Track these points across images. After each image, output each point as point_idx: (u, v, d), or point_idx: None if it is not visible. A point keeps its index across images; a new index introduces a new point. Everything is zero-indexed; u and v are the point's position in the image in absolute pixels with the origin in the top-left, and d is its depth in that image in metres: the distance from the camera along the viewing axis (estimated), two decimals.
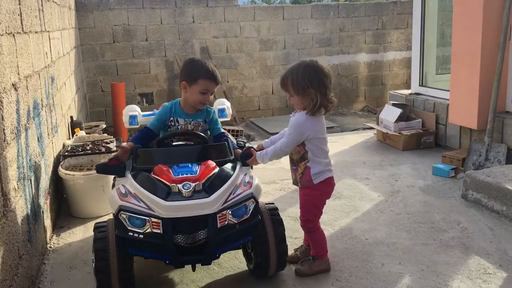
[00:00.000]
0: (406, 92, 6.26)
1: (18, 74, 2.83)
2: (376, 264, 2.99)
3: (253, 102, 8.91)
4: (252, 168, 2.97)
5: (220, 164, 2.65)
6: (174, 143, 2.84)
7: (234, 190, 2.51)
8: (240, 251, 3.04)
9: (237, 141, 3.11)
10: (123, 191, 2.48)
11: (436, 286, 2.73)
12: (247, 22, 8.60)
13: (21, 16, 3.04)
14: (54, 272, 3.03)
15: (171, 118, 2.93)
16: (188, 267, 2.70)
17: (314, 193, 2.82)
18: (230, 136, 3.28)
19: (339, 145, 5.78)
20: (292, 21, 8.83)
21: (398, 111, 5.58)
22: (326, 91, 2.67)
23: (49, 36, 4.18)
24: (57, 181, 3.95)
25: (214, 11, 8.38)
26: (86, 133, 5.02)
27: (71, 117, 5.24)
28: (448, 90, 5.16)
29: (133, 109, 3.68)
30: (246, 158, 2.79)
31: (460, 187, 4.10)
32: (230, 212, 2.45)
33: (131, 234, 2.40)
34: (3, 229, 2.28)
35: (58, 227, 3.72)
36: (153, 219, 2.36)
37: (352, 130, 7.31)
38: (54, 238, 3.52)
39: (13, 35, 2.78)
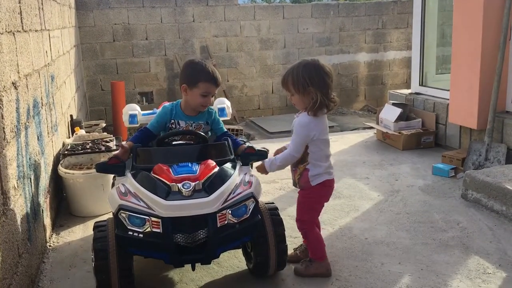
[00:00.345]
0: (406, 91, 6.27)
1: (18, 72, 2.83)
2: (375, 264, 2.99)
3: (253, 101, 8.91)
4: (252, 167, 2.97)
5: (220, 163, 2.64)
6: (174, 143, 2.84)
7: (234, 190, 2.51)
8: (239, 250, 3.04)
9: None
10: (123, 190, 2.48)
11: (435, 286, 2.73)
12: (247, 21, 8.60)
13: (21, 15, 3.04)
14: (54, 271, 3.03)
15: (172, 121, 2.91)
16: (188, 266, 2.70)
17: (311, 195, 2.82)
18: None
19: (339, 144, 5.78)
20: (292, 20, 8.83)
21: (398, 111, 5.58)
22: (327, 89, 2.66)
23: (49, 35, 4.18)
24: (57, 180, 3.95)
25: (214, 10, 8.38)
26: (86, 132, 5.02)
27: (71, 115, 5.24)
28: (448, 90, 5.16)
29: (133, 108, 3.69)
30: (246, 158, 2.79)
31: (460, 187, 4.10)
32: (230, 211, 2.45)
33: (131, 233, 2.39)
34: (3, 228, 2.28)
35: (57, 225, 3.72)
36: (153, 219, 2.36)
37: (352, 130, 7.31)
38: (54, 236, 3.52)
39: (13, 34, 2.78)
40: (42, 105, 3.55)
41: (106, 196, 3.28)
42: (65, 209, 4.01)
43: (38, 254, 3.02)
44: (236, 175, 2.58)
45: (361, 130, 7.01)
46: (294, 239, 3.32)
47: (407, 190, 4.22)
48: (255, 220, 2.57)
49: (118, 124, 7.14)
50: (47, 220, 3.42)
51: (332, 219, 3.67)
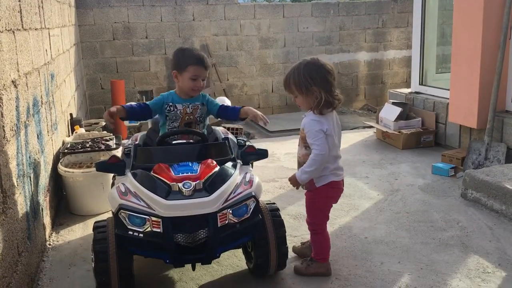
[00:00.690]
0: (406, 91, 6.26)
1: (18, 71, 2.83)
2: (375, 263, 2.99)
3: (253, 100, 8.90)
4: (252, 166, 2.96)
5: (220, 163, 2.64)
6: (174, 142, 2.84)
7: (234, 189, 2.50)
8: (239, 250, 3.04)
9: (237, 139, 3.11)
10: (123, 190, 2.47)
11: (435, 285, 2.74)
12: (247, 20, 8.59)
13: (21, 13, 3.03)
14: (53, 270, 3.03)
15: (170, 103, 2.96)
16: (188, 266, 2.70)
17: (317, 196, 2.78)
18: (230, 134, 3.28)
19: None
20: (292, 19, 8.82)
21: (398, 110, 5.58)
22: (330, 87, 2.63)
23: (49, 33, 4.18)
24: (56, 179, 3.95)
25: (214, 9, 8.37)
26: (86, 131, 5.02)
27: (71, 114, 5.24)
28: (448, 89, 5.16)
29: None
30: (247, 157, 2.79)
31: (460, 186, 4.10)
32: (230, 211, 2.44)
33: (131, 233, 2.39)
34: (3, 226, 2.28)
35: (57, 224, 3.72)
36: (153, 218, 2.35)
37: (352, 129, 7.30)
38: (54, 235, 3.52)
39: (13, 32, 2.78)
40: (42, 103, 3.55)
41: (105, 195, 3.28)
42: (64, 208, 4.01)
43: (37, 252, 3.02)
44: (236, 175, 2.58)
45: (361, 129, 7.01)
46: (293, 237, 3.32)
47: (406, 189, 4.22)
48: (255, 220, 2.56)
49: (117, 123, 7.13)
50: (46, 219, 3.42)
51: (331, 218, 3.64)
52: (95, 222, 2.70)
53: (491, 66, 4.56)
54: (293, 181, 2.74)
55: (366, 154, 5.35)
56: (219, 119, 3.46)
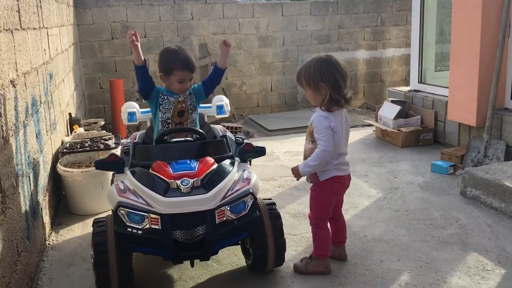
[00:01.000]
0: (405, 89, 6.27)
1: (17, 70, 2.82)
2: (374, 261, 2.99)
3: (252, 99, 8.90)
4: (250, 164, 2.97)
5: (218, 160, 2.65)
6: (173, 140, 2.84)
7: (232, 186, 2.52)
8: (238, 248, 3.05)
9: (235, 137, 3.11)
10: (122, 187, 2.48)
11: (434, 283, 2.74)
12: (246, 19, 8.58)
13: (19, 13, 3.03)
14: (53, 269, 3.03)
15: (164, 92, 3.02)
16: (187, 264, 2.70)
17: (321, 190, 2.81)
18: (228, 132, 3.28)
19: None
20: (291, 17, 8.82)
21: (397, 108, 5.58)
22: (338, 85, 2.68)
23: (47, 33, 4.17)
24: (55, 178, 3.95)
25: (213, 8, 8.36)
26: (85, 130, 5.02)
27: (70, 114, 5.23)
28: (447, 87, 5.16)
29: (132, 106, 3.69)
30: (245, 155, 2.80)
31: (459, 184, 4.10)
32: (228, 208, 2.45)
33: (130, 230, 2.40)
34: (2, 226, 2.28)
35: (56, 224, 3.72)
36: (152, 215, 2.37)
37: (351, 127, 7.29)
38: (53, 235, 3.52)
39: (11, 32, 2.78)
40: (41, 103, 3.55)
41: (105, 194, 3.27)
42: (64, 207, 4.00)
43: (37, 252, 3.02)
44: (234, 172, 2.59)
45: (360, 127, 7.01)
46: (293, 236, 3.32)
47: (406, 188, 4.23)
48: (253, 216, 2.58)
49: (117, 122, 7.13)
50: (46, 218, 3.42)
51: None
52: (95, 219, 2.73)
53: (490, 64, 4.56)
54: (295, 172, 2.80)
55: (365, 152, 5.35)
56: (210, 103, 3.63)
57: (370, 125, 6.42)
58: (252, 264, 2.84)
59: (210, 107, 3.77)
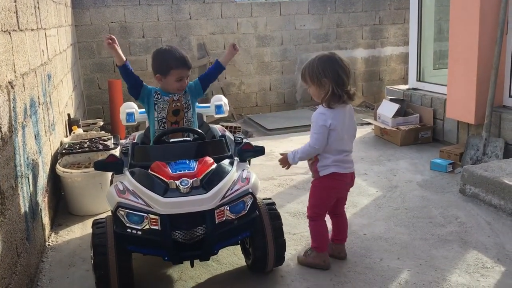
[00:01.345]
0: (403, 87, 6.26)
1: (15, 71, 2.82)
2: (374, 259, 3.00)
3: (250, 98, 8.90)
4: (249, 164, 2.97)
5: (217, 160, 2.65)
6: (171, 140, 2.84)
7: (231, 186, 2.52)
8: (238, 248, 3.05)
9: (234, 137, 3.11)
10: (121, 188, 2.48)
11: (434, 281, 2.74)
12: (244, 18, 8.58)
13: (17, 14, 3.03)
14: (53, 270, 3.03)
15: (158, 92, 3.01)
16: (187, 264, 2.70)
17: (320, 185, 2.85)
18: (227, 132, 3.28)
19: None
20: (289, 17, 8.82)
21: (396, 106, 5.59)
22: (341, 82, 2.71)
23: (45, 34, 4.17)
24: (55, 179, 3.94)
25: (211, 7, 8.36)
26: (84, 131, 5.01)
27: (68, 114, 5.23)
28: (446, 85, 5.17)
29: (130, 107, 3.69)
30: (244, 154, 2.80)
31: (458, 182, 4.10)
32: (228, 208, 2.45)
33: (129, 230, 2.40)
34: (1, 228, 2.28)
35: (56, 225, 3.72)
36: (151, 216, 2.37)
37: None
38: (53, 236, 3.52)
39: (9, 33, 2.77)
40: (39, 104, 3.55)
41: (104, 195, 3.27)
42: (63, 208, 4.00)
43: (37, 253, 3.02)
44: (233, 172, 2.59)
45: (359, 126, 7.00)
46: (293, 235, 3.32)
47: (405, 186, 4.23)
48: (253, 216, 2.58)
49: (115, 122, 7.13)
50: (45, 219, 3.42)
51: None
52: (94, 220, 2.72)
53: (488, 61, 4.56)
54: (284, 160, 2.88)
55: (364, 151, 5.35)
56: (206, 94, 3.66)
57: (369, 123, 6.42)
58: (252, 264, 2.84)
59: (208, 106, 3.77)
